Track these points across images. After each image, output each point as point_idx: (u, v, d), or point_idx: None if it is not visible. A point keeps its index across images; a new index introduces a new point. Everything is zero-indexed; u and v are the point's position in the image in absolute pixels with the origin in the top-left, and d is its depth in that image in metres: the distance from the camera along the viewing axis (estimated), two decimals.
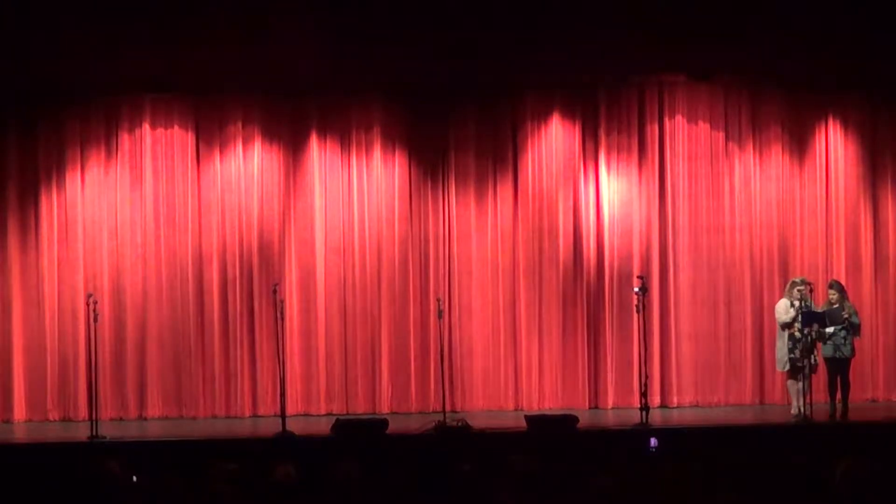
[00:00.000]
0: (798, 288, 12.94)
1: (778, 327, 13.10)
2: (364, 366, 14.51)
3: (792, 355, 12.87)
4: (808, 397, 12.73)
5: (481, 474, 7.64)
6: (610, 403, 14.50)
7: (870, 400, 14.65)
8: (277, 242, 14.47)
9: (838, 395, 13.07)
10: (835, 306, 13.07)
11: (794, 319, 12.84)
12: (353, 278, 14.53)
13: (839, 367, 13.11)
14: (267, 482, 7.40)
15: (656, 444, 11.16)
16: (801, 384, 12.86)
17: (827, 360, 13.12)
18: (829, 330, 12.93)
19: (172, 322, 14.29)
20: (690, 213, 14.78)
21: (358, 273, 14.53)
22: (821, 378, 13.39)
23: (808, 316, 12.79)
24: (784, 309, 12.99)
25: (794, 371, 12.94)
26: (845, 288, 13.46)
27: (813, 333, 12.83)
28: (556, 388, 14.58)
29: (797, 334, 12.84)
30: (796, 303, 12.85)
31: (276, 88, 14.37)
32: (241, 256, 14.43)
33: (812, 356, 12.89)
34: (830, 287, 13.33)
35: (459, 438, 11.85)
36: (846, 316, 12.99)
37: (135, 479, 8.13)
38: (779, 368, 13.31)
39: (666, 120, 14.83)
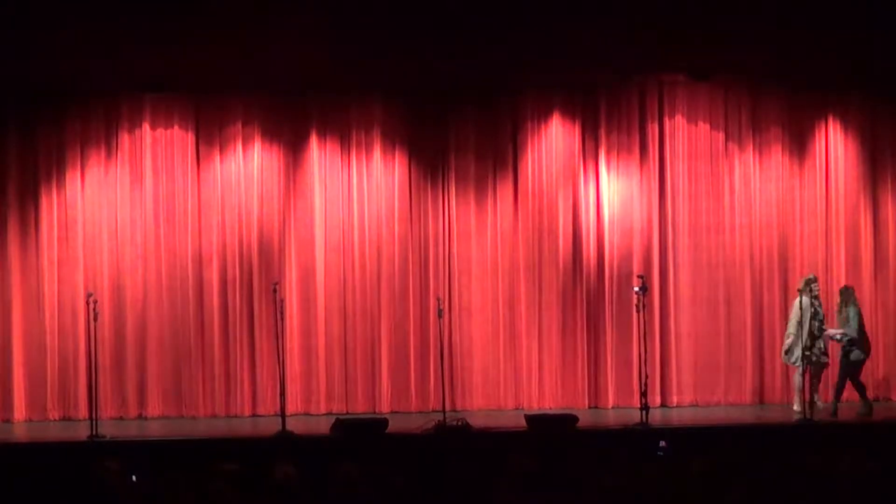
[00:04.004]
0: (813, 285, 13.20)
1: (794, 323, 13.18)
2: (364, 365, 14.51)
3: (807, 352, 13.03)
4: (811, 395, 12.91)
5: (481, 474, 7.64)
6: (610, 403, 14.51)
7: (870, 400, 14.65)
8: (277, 242, 14.47)
9: (844, 395, 13.37)
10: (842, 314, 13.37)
11: (814, 317, 13.08)
12: (352, 278, 14.53)
13: (852, 369, 13.30)
14: (267, 482, 7.41)
15: (665, 446, 11.11)
16: (809, 382, 13.06)
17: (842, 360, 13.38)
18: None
19: (172, 322, 14.29)
20: (690, 212, 14.79)
21: (358, 273, 14.53)
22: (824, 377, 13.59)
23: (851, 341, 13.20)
24: (806, 306, 13.12)
25: (808, 368, 13.17)
26: (853, 293, 13.56)
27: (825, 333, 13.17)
28: (556, 388, 14.58)
29: (815, 332, 13.05)
30: (813, 301, 13.11)
31: (276, 88, 14.37)
32: (241, 256, 14.43)
33: (824, 355, 13.20)
34: (841, 294, 13.55)
35: (459, 438, 11.86)
36: (845, 328, 13.26)
37: (134, 478, 8.13)
38: (789, 362, 13.36)
39: (666, 120, 14.84)
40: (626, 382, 14.33)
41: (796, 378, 13.32)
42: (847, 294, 13.49)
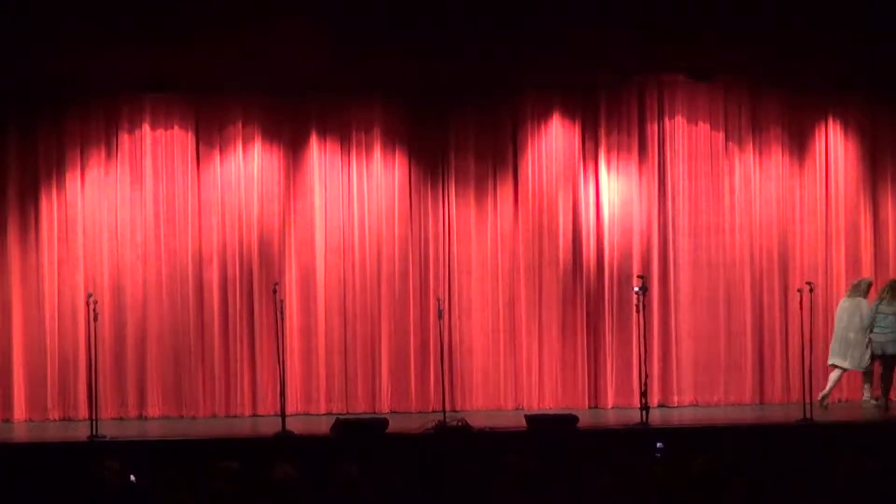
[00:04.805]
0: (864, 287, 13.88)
1: (863, 327, 13.62)
2: (364, 365, 14.51)
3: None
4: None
5: (481, 474, 7.65)
6: (610, 403, 14.50)
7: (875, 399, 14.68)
8: (277, 242, 14.47)
9: (844, 395, 13.87)
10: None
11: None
12: (353, 278, 14.52)
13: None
14: (267, 482, 7.41)
15: (662, 447, 11.12)
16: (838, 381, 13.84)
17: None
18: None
19: (172, 322, 14.29)
20: (690, 213, 14.78)
21: (358, 273, 14.53)
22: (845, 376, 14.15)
23: None
24: (856, 306, 13.64)
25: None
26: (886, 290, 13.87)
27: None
28: (556, 388, 14.57)
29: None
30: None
31: (276, 88, 14.36)
32: (241, 256, 14.43)
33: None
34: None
35: (459, 438, 11.86)
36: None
37: (133, 478, 8.13)
38: (859, 367, 13.76)
39: (666, 120, 14.83)
40: (626, 382, 14.32)
41: (836, 376, 13.78)
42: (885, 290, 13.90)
